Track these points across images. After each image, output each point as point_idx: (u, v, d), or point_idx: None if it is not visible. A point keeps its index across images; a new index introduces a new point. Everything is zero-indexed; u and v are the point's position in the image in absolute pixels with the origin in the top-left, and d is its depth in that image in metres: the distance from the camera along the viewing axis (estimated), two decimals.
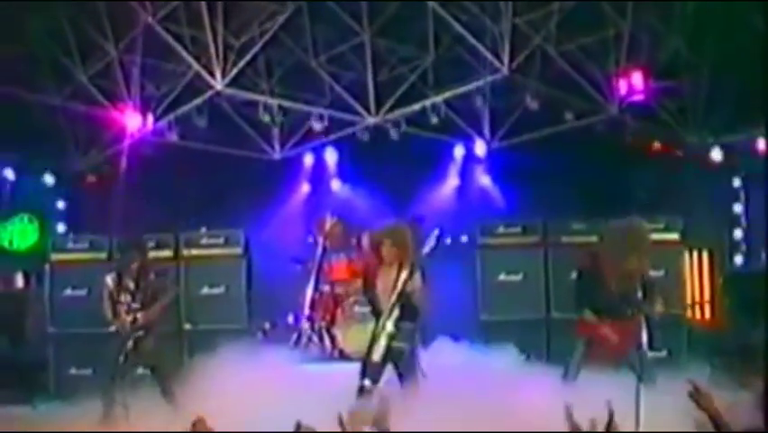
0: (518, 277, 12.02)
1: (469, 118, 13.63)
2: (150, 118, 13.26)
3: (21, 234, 13.70)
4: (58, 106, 13.37)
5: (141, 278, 9.81)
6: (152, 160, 13.40)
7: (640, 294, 8.06)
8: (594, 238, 11.55)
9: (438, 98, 12.73)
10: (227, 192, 13.57)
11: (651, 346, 8.20)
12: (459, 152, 13.81)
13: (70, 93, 13.35)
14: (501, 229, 12.29)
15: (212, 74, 12.01)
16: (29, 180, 13.55)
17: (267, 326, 12.20)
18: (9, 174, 13.32)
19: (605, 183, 13.01)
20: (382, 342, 8.47)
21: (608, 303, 8.19)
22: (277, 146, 14.37)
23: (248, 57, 11.97)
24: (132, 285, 9.80)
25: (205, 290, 12.22)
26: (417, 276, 8.55)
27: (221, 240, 12.45)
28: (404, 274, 8.53)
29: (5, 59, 12.57)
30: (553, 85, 13.13)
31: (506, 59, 11.71)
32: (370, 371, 8.44)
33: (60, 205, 13.80)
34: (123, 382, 9.26)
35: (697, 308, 12.11)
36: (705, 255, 12.53)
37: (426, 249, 8.72)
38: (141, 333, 9.75)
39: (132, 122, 13.24)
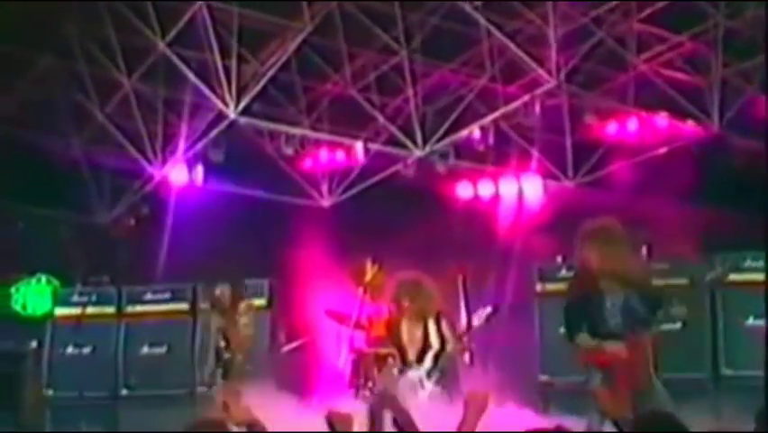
0: None
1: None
2: (182, 163, 13.89)
3: (36, 297, 14.16)
4: (79, 155, 14.27)
5: (234, 321, 10.19)
6: (184, 208, 14.00)
7: (642, 307, 7.77)
8: (683, 280, 11.63)
9: (487, 120, 12.89)
10: (264, 242, 13.95)
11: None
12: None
13: (90, 136, 14.20)
14: (564, 273, 12.15)
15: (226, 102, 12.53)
16: (47, 236, 14.09)
17: None
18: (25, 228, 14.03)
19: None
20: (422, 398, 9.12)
21: (606, 323, 7.77)
22: (325, 192, 15.01)
23: (263, 81, 12.41)
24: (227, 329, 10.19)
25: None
26: (445, 328, 9.42)
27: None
28: (431, 328, 9.40)
29: (19, 102, 13.50)
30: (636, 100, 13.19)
31: (553, 69, 11.69)
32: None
33: (81, 263, 14.20)
34: None
35: None
36: None
37: (476, 322, 9.90)
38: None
39: (160, 167, 13.96)
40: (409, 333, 9.50)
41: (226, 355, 9.97)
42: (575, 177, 14.40)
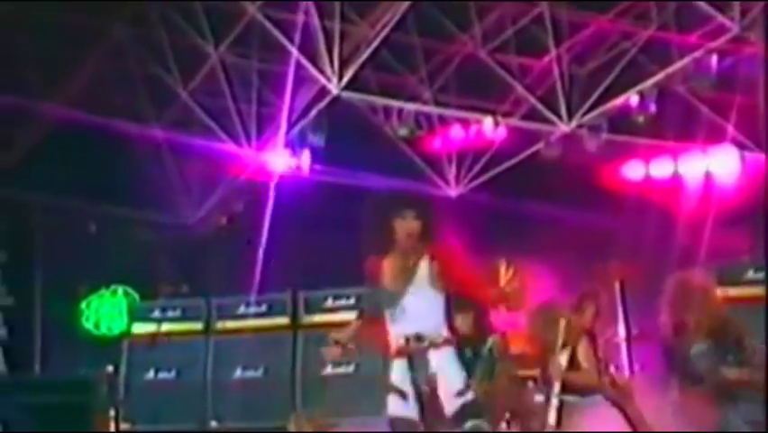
0: None
1: None
2: (283, 148, 13.59)
3: (111, 313, 14.16)
4: (160, 141, 14.15)
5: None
6: (286, 202, 13.71)
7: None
8: None
9: (647, 83, 12.24)
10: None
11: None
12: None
13: (173, 118, 14.10)
14: (751, 275, 11.42)
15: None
16: (124, 240, 14.11)
17: None
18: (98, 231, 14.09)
19: None
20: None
21: (688, 368, 8.50)
22: (452, 179, 14.81)
23: (372, 46, 12.05)
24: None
25: (328, 369, 12.25)
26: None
27: (350, 301, 12.45)
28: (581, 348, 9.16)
29: (89, 78, 13.33)
30: None
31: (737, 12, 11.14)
32: None
33: (165, 271, 14.36)
34: None
35: None
36: None
37: None
38: None
39: (255, 153, 13.80)
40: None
41: None
42: None
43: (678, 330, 8.68)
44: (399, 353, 7.34)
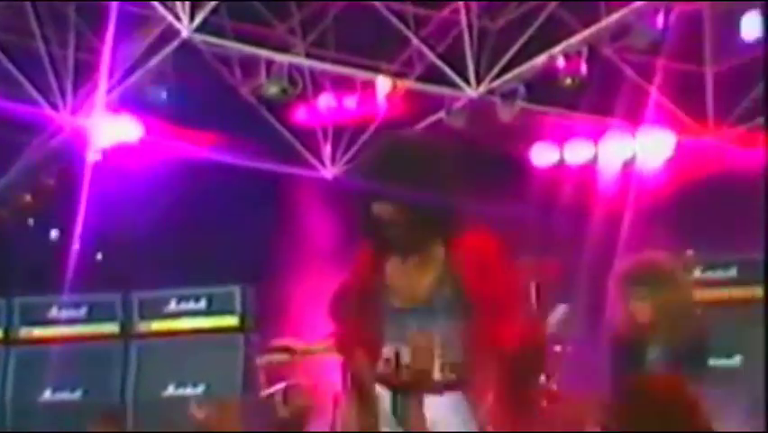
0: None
1: None
2: (107, 108, 12.81)
3: None
4: None
5: None
6: (110, 177, 12.99)
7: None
8: None
9: (575, 39, 11.70)
10: (235, 230, 13.32)
11: None
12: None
13: None
14: (698, 274, 11.78)
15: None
16: None
17: None
18: None
19: None
20: None
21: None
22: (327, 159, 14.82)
23: None
24: None
25: (170, 391, 12.06)
26: None
27: (201, 305, 12.36)
28: None
29: None
30: None
31: None
32: None
33: None
34: None
35: None
36: None
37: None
38: None
39: (71, 113, 12.98)
40: None
41: None
42: (718, 127, 13.33)
43: (634, 328, 7.84)
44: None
